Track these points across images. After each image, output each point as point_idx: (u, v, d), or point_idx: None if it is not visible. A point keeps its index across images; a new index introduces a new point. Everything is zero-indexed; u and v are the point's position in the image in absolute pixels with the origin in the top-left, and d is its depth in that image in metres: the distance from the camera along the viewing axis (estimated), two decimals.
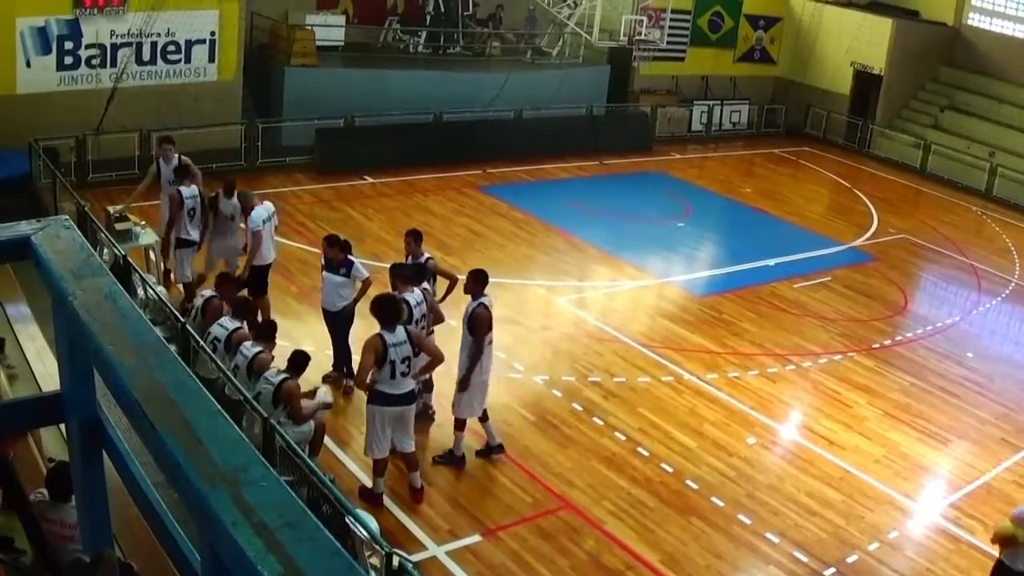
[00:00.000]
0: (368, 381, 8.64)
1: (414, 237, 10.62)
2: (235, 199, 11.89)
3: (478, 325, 9.47)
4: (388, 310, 8.76)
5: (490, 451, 10.16)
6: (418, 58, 22.80)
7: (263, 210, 11.75)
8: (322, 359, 11.29)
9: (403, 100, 20.62)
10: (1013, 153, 24.01)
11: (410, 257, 10.59)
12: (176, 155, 12.48)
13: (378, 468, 9.06)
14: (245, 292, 11.06)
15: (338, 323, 10.90)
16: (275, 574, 1.33)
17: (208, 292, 10.31)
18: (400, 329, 8.68)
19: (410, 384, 8.81)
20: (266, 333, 9.46)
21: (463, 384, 9.56)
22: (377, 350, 8.48)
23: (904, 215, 21.73)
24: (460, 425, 9.85)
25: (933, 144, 25.10)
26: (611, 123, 24.42)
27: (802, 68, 28.18)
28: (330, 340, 11.20)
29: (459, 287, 10.33)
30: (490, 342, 9.73)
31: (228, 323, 9.62)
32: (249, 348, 9.07)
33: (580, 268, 16.21)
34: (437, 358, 9.10)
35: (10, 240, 2.18)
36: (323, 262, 10.87)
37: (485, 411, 9.99)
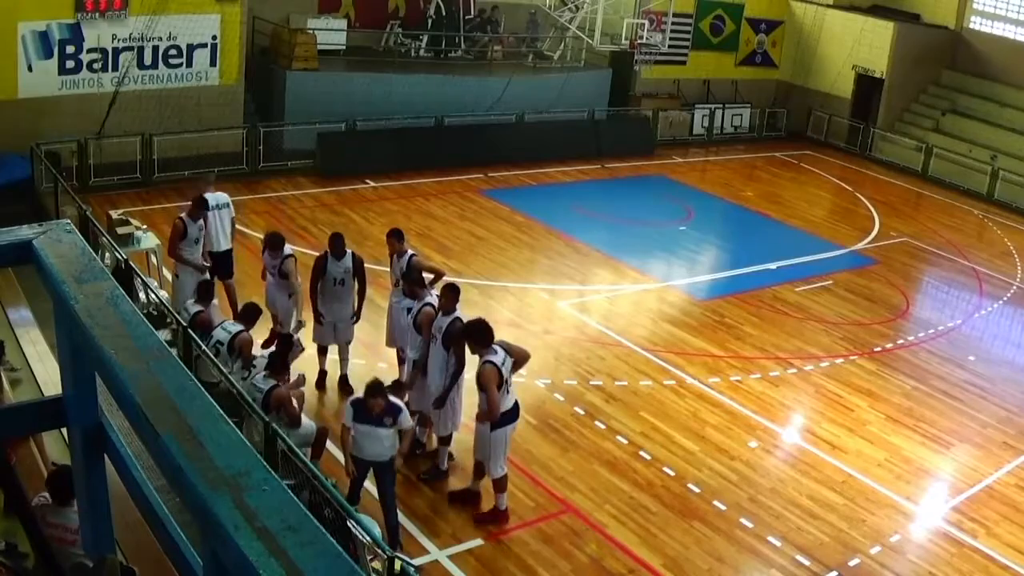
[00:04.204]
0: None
1: (396, 236, 10.71)
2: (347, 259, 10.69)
3: (456, 342, 9.20)
4: (486, 331, 8.68)
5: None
6: (420, 62, 22.83)
7: (210, 198, 11.64)
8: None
9: (405, 104, 20.63)
10: (1014, 156, 24.00)
11: (395, 256, 10.69)
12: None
13: (504, 484, 9.14)
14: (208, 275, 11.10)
15: (387, 475, 8.65)
16: None
17: (193, 306, 10.18)
18: (495, 347, 8.67)
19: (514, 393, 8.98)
20: (248, 314, 9.88)
21: (439, 402, 9.28)
22: (496, 379, 8.50)
23: (906, 218, 21.72)
24: (444, 441, 9.72)
25: (935, 147, 25.10)
26: (613, 127, 24.43)
27: (804, 72, 28.20)
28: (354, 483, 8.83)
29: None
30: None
31: (231, 326, 9.62)
32: (262, 380, 8.83)
33: (582, 272, 16.19)
34: (525, 357, 9.07)
35: (12, 244, 2.19)
36: (352, 414, 8.47)
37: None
